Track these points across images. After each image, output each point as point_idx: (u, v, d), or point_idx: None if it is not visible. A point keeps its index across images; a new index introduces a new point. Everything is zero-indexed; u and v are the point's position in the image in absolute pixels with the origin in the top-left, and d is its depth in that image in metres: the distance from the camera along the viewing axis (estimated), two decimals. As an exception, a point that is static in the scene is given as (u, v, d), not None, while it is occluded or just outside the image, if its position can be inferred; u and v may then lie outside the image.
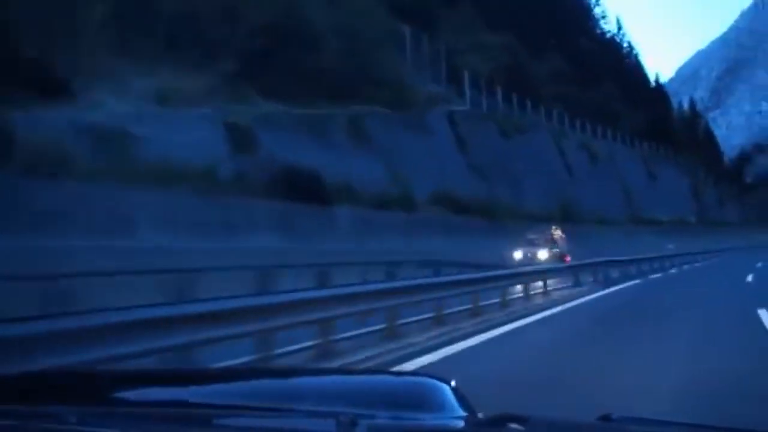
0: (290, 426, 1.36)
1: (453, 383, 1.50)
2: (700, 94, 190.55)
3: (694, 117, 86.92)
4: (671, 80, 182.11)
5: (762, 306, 11.03)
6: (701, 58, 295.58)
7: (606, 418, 1.38)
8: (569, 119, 50.05)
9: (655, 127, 66.40)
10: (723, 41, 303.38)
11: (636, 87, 69.85)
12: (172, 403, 1.46)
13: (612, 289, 17.47)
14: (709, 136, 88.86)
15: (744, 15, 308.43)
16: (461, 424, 1.37)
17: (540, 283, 15.39)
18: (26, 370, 2.42)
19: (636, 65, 75.50)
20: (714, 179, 75.69)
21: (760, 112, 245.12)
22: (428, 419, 1.38)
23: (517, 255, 25.04)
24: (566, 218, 39.99)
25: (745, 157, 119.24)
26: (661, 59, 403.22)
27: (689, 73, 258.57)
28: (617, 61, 69.37)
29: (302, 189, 18.62)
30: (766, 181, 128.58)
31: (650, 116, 67.10)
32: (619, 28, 78.08)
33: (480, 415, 1.39)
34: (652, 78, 79.98)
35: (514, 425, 1.30)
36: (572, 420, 1.51)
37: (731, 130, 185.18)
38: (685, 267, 29.42)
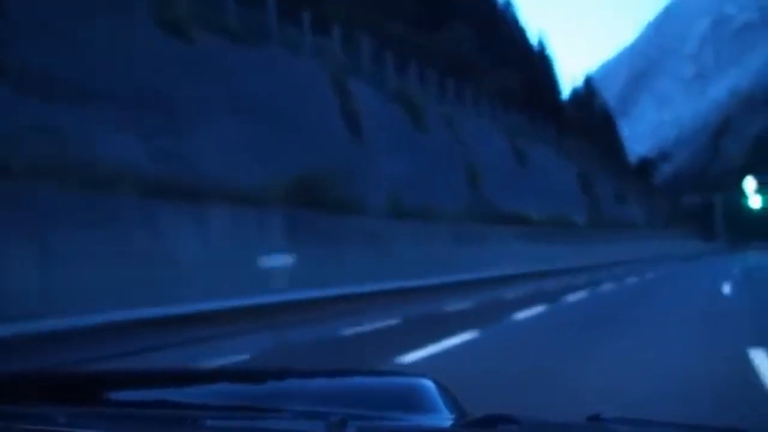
0: (279, 427, 1.34)
1: (442, 383, 1.47)
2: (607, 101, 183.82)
3: (590, 95, 70.15)
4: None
5: None
6: (609, 68, 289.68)
7: (595, 418, 1.31)
8: (373, 52, 30.79)
9: (532, 96, 48.66)
10: (630, 51, 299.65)
11: (508, 42, 52.15)
12: (161, 404, 1.46)
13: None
14: (607, 118, 72.29)
15: (650, 26, 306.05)
16: (452, 424, 1.35)
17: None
18: (14, 370, 2.14)
19: (513, 19, 57.91)
20: (613, 171, 59.02)
21: (664, 122, 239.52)
22: (419, 419, 1.36)
23: None
24: (310, 203, 20.66)
25: (650, 161, 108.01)
26: (571, 70, 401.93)
27: (596, 81, 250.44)
28: (483, 8, 51.50)
29: None
30: (672, 188, 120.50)
31: (526, 81, 49.33)
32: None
33: (470, 415, 1.36)
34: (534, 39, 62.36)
35: (505, 426, 1.24)
36: (563, 421, 1.37)
37: (636, 139, 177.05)
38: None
